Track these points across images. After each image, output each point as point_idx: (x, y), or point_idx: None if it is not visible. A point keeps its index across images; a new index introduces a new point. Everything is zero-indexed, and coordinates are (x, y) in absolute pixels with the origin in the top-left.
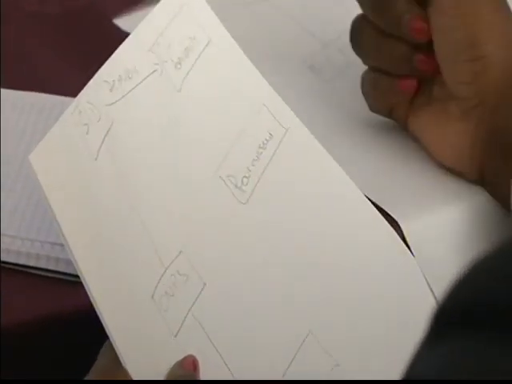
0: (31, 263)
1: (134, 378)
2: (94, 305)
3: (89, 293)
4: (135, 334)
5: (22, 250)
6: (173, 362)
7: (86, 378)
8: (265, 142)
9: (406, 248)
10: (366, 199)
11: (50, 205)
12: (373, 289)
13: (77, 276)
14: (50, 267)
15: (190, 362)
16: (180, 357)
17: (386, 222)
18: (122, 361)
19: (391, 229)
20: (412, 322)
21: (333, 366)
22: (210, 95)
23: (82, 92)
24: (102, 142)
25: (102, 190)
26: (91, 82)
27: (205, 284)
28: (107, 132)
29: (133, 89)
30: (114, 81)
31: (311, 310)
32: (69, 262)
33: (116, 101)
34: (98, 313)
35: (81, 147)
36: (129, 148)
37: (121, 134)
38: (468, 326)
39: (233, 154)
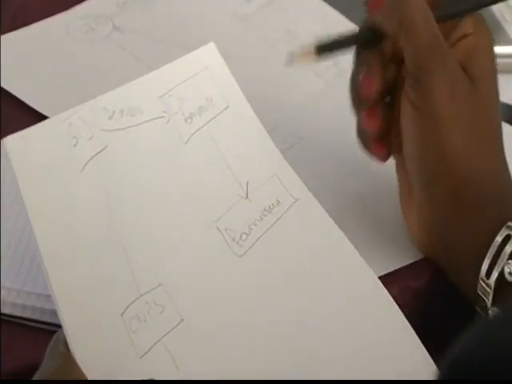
0: (26, 315)
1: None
2: (56, 307)
3: (53, 299)
4: (97, 346)
5: (17, 301)
6: (133, 379)
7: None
8: (271, 206)
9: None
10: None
11: (23, 196)
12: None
13: None
14: (45, 319)
15: None
16: (141, 376)
17: (387, 293)
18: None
19: (389, 295)
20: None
21: None
22: (220, 154)
23: (74, 109)
24: (91, 159)
25: (83, 202)
26: (87, 103)
27: (182, 320)
28: (98, 153)
29: (134, 126)
30: (114, 111)
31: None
32: None
33: (114, 129)
34: (58, 313)
35: (65, 155)
36: (122, 174)
37: (114, 161)
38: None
39: (235, 211)
